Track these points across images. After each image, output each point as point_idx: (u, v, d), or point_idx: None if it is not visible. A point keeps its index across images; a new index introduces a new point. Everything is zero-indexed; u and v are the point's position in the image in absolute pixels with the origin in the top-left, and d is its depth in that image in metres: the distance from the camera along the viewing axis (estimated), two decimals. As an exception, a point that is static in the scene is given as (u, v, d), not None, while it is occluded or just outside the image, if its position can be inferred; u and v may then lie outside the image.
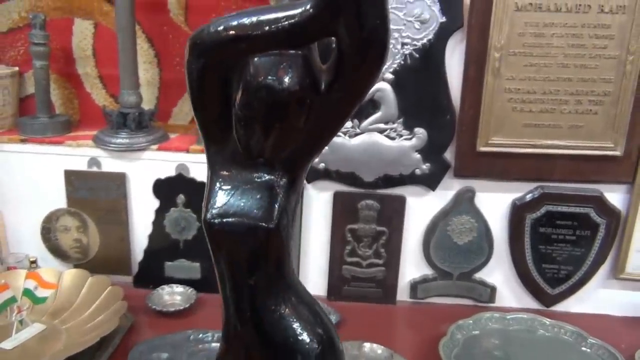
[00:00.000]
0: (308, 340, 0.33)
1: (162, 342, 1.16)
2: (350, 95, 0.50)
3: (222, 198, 0.43)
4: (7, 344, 1.12)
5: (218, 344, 1.17)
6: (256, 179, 0.42)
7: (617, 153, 1.21)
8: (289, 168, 0.43)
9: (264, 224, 0.38)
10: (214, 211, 0.42)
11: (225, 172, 0.44)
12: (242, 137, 0.43)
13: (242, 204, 0.41)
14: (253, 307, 0.32)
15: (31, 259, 1.32)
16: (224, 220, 0.41)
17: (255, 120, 0.43)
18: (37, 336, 1.16)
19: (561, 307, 1.33)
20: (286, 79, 0.44)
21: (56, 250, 1.39)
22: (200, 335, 1.18)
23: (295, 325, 0.33)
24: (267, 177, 0.42)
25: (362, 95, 0.52)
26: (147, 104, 1.40)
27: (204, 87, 0.50)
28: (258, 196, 0.41)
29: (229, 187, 0.43)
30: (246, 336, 0.33)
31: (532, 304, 1.34)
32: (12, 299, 1.16)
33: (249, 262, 0.32)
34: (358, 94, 0.51)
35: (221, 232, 0.41)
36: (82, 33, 1.41)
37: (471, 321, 1.21)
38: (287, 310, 0.33)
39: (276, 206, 0.39)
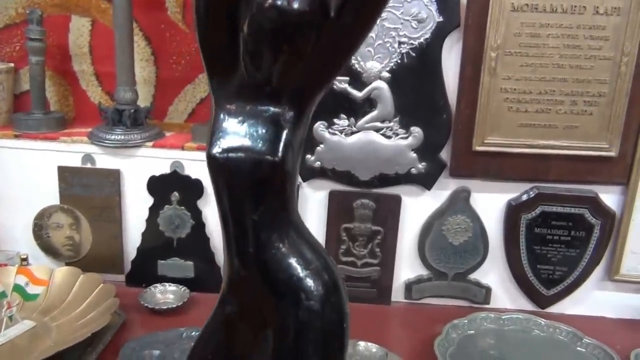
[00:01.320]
0: (312, 280, 0.32)
1: (154, 339, 1.14)
2: (359, 21, 0.49)
3: (226, 132, 0.42)
4: (-4, 340, 1.10)
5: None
6: (262, 113, 0.41)
7: (612, 154, 1.21)
8: (296, 101, 0.43)
9: (269, 157, 0.37)
10: (218, 146, 0.41)
11: (230, 106, 0.44)
12: (249, 64, 0.42)
13: (247, 138, 0.40)
14: (256, 244, 0.31)
15: (22, 257, 1.30)
16: (229, 155, 0.40)
17: (264, 44, 0.42)
18: (26, 333, 1.14)
19: (556, 308, 1.33)
20: (296, 0, 0.44)
21: (48, 248, 1.37)
22: (193, 333, 1.16)
23: (299, 264, 0.32)
24: (273, 111, 0.41)
25: (371, 22, 0.52)
26: (143, 102, 1.40)
27: (211, 14, 0.48)
28: (263, 130, 0.40)
29: (234, 121, 0.43)
30: (249, 277, 0.32)
31: (527, 305, 1.33)
32: (2, 294, 1.15)
33: (253, 196, 0.32)
34: (367, 20, 0.50)
35: (226, 167, 0.40)
36: (79, 30, 1.41)
37: (466, 321, 1.21)
38: (291, 248, 0.32)
39: (282, 139, 0.39)
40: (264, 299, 0.32)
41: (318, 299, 0.32)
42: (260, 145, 0.38)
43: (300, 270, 0.32)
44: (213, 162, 0.43)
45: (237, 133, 0.40)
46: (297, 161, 0.35)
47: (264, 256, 0.31)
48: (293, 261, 0.32)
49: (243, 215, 0.31)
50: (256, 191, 0.32)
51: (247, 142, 0.38)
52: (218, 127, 0.41)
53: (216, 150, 0.39)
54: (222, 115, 0.42)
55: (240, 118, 0.41)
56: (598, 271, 1.31)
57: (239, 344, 0.33)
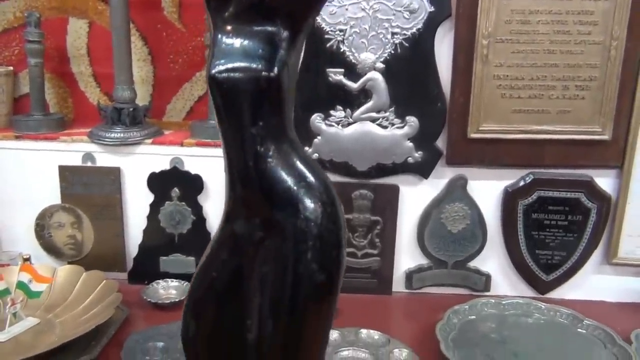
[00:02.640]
0: (309, 191, 0.34)
1: (157, 332, 1.15)
2: None
3: (224, 53, 0.43)
4: (1, 337, 1.11)
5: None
6: (258, 33, 0.42)
7: (606, 137, 1.23)
8: (290, 21, 0.44)
9: (265, 73, 0.38)
10: (217, 66, 0.42)
11: (227, 27, 0.45)
12: None
13: (244, 57, 0.41)
14: (255, 157, 0.32)
15: (24, 257, 1.30)
16: (228, 74, 0.41)
17: None
18: (30, 330, 1.15)
19: (556, 294, 1.34)
20: None
21: (50, 248, 1.39)
22: (196, 325, 1.18)
23: (296, 176, 0.34)
24: (268, 30, 0.42)
25: None
26: (142, 102, 1.42)
27: None
28: (260, 48, 0.41)
29: (232, 42, 0.44)
30: (250, 193, 0.34)
31: (527, 291, 1.34)
32: (6, 291, 1.15)
33: (252, 111, 0.33)
34: None
35: (225, 85, 0.41)
36: (77, 32, 1.43)
37: (467, 307, 1.22)
38: (288, 160, 0.33)
39: (277, 56, 0.40)
40: (264, 213, 0.34)
41: (315, 209, 0.33)
42: (257, 62, 0.39)
43: (297, 182, 0.33)
44: (213, 82, 0.44)
45: (234, 53, 0.42)
46: (293, 81, 0.37)
47: (262, 167, 0.32)
48: (290, 172, 0.33)
49: (243, 129, 0.33)
50: (255, 106, 0.33)
51: (244, 61, 0.40)
52: (217, 49, 0.42)
53: (216, 70, 0.41)
54: (220, 37, 0.43)
55: (237, 39, 0.42)
56: (596, 255, 1.32)
57: (241, 258, 0.34)
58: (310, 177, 0.33)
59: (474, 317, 1.20)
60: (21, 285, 1.18)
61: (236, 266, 0.35)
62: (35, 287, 1.21)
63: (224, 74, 0.41)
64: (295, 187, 0.33)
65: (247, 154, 0.32)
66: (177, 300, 1.28)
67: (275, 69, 0.36)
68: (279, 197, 0.32)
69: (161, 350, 1.10)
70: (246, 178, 0.33)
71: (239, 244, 0.34)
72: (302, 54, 1.20)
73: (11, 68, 1.44)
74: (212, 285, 0.36)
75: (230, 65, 0.41)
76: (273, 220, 0.33)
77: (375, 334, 1.16)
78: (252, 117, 0.33)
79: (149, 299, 1.27)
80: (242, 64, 0.40)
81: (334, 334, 1.16)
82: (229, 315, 0.36)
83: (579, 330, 1.16)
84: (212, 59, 0.47)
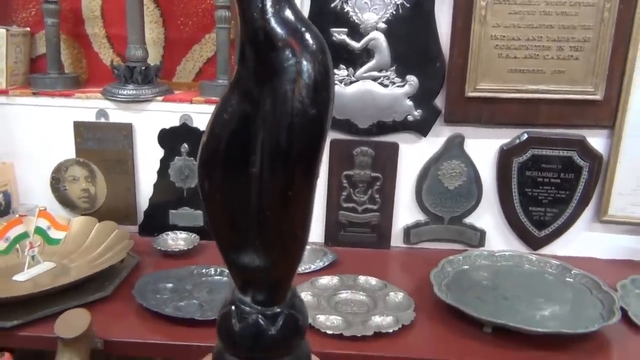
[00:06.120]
0: (306, 36, 0.39)
1: (167, 274, 1.22)
2: None
3: None
4: (21, 277, 1.18)
5: (221, 277, 1.23)
6: None
7: (598, 97, 1.28)
8: None
9: None
10: None
11: None
12: None
13: None
14: (261, 9, 0.38)
15: (41, 209, 1.37)
16: None
17: None
18: (47, 272, 1.22)
19: (548, 250, 1.40)
20: None
21: (65, 201, 1.45)
22: (204, 270, 1.24)
23: (293, 29, 0.39)
24: None
25: None
26: (153, 62, 1.47)
27: None
28: None
29: None
30: (255, 44, 0.40)
31: (520, 247, 1.40)
32: (25, 234, 1.22)
33: None
34: None
35: None
36: (91, -6, 1.48)
37: (461, 257, 1.27)
38: (287, 12, 0.39)
39: None
40: (268, 59, 0.40)
41: (308, 56, 0.39)
42: None
43: (294, 32, 0.39)
44: None
45: None
46: None
47: (266, 16, 0.38)
48: (288, 24, 0.39)
49: None
50: None
51: None
52: None
53: None
54: None
55: None
56: (587, 212, 1.37)
57: (248, 100, 0.40)
58: (304, 29, 0.39)
59: (467, 267, 1.26)
60: (39, 231, 1.24)
61: (244, 109, 0.41)
62: (54, 234, 1.28)
63: None
64: (291, 36, 0.39)
65: (254, 7, 0.38)
66: (185, 249, 1.34)
67: None
68: (280, 39, 0.39)
69: (170, 290, 1.17)
70: (254, 30, 0.39)
71: (247, 87, 0.41)
72: (307, 14, 1.26)
73: (28, 29, 1.49)
74: (224, 127, 0.42)
75: None
76: (276, 63, 0.39)
77: (373, 280, 1.22)
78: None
79: (159, 247, 1.33)
80: None
81: (333, 279, 1.22)
82: (236, 156, 0.43)
83: (567, 279, 1.22)
84: None
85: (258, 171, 0.42)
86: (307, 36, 0.39)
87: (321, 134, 0.42)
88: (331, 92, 0.41)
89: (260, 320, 0.49)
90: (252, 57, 0.40)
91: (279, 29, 0.38)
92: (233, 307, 0.50)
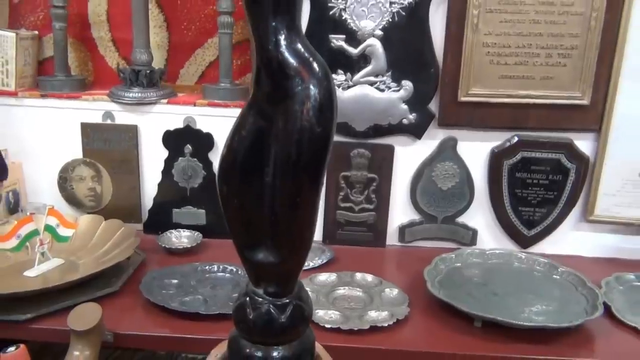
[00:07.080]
0: (312, 71, 0.45)
1: (172, 271, 1.27)
2: None
3: None
4: (31, 273, 1.23)
5: (223, 274, 1.28)
6: None
7: (585, 102, 1.33)
8: None
9: None
10: None
11: None
12: None
13: None
14: (275, 42, 0.44)
15: (48, 207, 1.42)
16: None
17: None
18: (57, 268, 1.27)
19: (536, 248, 1.45)
20: None
21: (71, 199, 1.50)
22: (207, 266, 1.30)
23: (302, 58, 0.45)
24: None
25: None
26: (157, 66, 1.52)
27: None
28: None
29: None
30: (269, 71, 0.45)
31: (510, 245, 1.46)
32: (35, 232, 1.27)
33: (272, 6, 0.44)
34: None
35: None
36: None
37: (454, 255, 1.33)
38: (297, 42, 0.45)
39: None
40: (280, 84, 0.46)
41: (315, 81, 0.45)
42: None
43: (303, 61, 0.45)
44: None
45: None
46: None
47: (280, 49, 0.44)
48: (298, 54, 0.45)
49: (265, 20, 0.44)
50: (275, 3, 0.44)
51: None
52: None
53: None
54: None
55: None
56: (574, 212, 1.43)
57: (263, 118, 0.47)
58: (311, 59, 0.45)
59: (459, 264, 1.32)
60: (49, 228, 1.29)
61: (259, 126, 0.47)
62: (63, 231, 1.32)
63: None
64: (301, 65, 0.45)
65: (269, 41, 0.44)
66: (188, 247, 1.39)
67: None
68: (291, 67, 0.45)
69: (175, 286, 1.22)
70: (269, 59, 0.45)
71: (262, 107, 0.47)
72: (306, 21, 1.30)
73: (37, 32, 1.54)
74: (241, 141, 0.48)
75: None
76: (287, 88, 0.45)
77: (369, 277, 1.28)
78: (272, 13, 0.44)
79: (163, 245, 1.38)
80: None
81: (331, 276, 1.28)
82: (252, 166, 0.49)
83: (555, 276, 1.28)
84: None
85: (271, 180, 0.48)
86: (314, 65, 0.45)
87: (326, 149, 0.49)
88: (334, 112, 0.47)
89: (271, 309, 0.55)
90: (267, 81, 0.46)
91: (290, 60, 0.44)
92: (247, 298, 0.56)
